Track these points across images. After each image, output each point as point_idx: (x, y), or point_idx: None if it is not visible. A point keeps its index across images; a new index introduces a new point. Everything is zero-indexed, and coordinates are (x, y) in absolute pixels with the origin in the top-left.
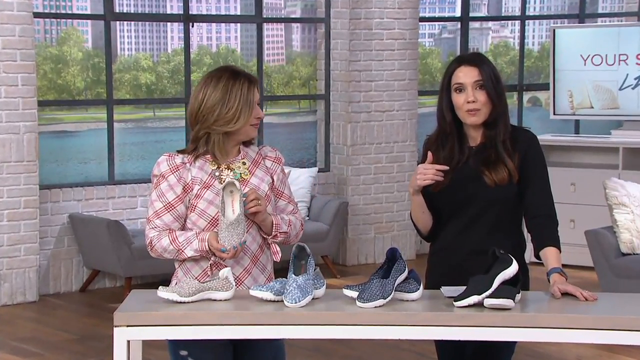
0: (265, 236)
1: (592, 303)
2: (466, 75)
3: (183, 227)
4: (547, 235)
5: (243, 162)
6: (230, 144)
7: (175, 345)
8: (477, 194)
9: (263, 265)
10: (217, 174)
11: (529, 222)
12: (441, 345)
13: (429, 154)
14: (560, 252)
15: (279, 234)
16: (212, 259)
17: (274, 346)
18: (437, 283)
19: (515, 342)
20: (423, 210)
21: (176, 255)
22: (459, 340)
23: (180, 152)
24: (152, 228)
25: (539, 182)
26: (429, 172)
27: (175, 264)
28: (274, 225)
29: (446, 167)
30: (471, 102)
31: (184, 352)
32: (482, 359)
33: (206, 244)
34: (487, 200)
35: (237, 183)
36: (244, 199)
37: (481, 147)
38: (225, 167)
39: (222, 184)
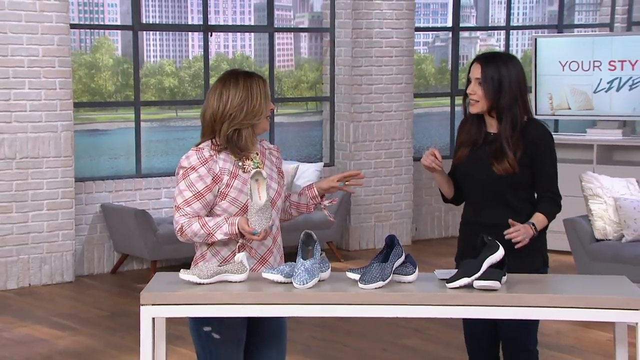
0: (309, 208)
1: (569, 283)
2: (473, 70)
3: (208, 215)
4: (542, 206)
5: (256, 154)
6: (255, 137)
7: (199, 322)
8: (490, 178)
9: (279, 245)
10: (240, 164)
11: (536, 202)
12: (470, 334)
13: (435, 152)
14: (549, 220)
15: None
16: (240, 241)
17: (280, 322)
18: (464, 253)
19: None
20: (443, 183)
21: (206, 239)
22: (487, 332)
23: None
24: (182, 215)
25: (546, 173)
26: (429, 159)
27: (204, 247)
28: (315, 197)
29: (440, 166)
30: (471, 94)
31: (207, 328)
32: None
33: (236, 227)
34: (499, 184)
35: (263, 172)
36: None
37: (495, 137)
38: (245, 158)
39: (245, 172)
